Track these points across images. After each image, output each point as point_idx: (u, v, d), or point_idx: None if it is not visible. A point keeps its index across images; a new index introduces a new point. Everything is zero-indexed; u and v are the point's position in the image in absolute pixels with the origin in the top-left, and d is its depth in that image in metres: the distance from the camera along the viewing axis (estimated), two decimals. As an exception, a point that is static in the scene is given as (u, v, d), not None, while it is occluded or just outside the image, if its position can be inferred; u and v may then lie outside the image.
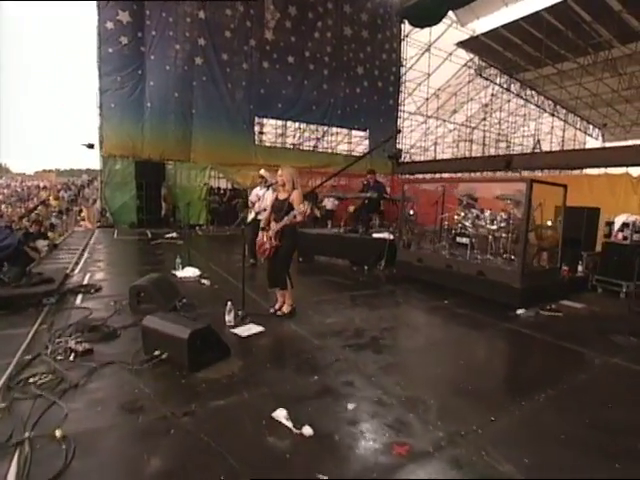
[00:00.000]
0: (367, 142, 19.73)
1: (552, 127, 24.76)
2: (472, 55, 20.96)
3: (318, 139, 18.83)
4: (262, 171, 7.14)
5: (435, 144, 27.18)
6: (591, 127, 25.91)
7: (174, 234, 11.30)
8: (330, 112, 17.65)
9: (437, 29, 20.10)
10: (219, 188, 17.22)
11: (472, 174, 14.54)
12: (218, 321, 4.18)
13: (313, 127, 18.53)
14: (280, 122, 18.12)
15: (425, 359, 3.61)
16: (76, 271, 6.50)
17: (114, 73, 13.15)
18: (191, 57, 14.31)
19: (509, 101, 23.70)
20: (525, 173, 12.68)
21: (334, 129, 19.57)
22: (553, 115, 24.18)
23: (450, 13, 18.23)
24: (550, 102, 23.53)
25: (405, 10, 17.24)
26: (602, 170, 11.23)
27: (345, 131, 19.47)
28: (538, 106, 23.45)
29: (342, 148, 19.87)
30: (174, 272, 6.42)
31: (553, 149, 24.66)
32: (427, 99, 22.09)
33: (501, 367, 3.73)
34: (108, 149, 13.23)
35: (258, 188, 7.01)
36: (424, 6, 15.92)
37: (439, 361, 3.56)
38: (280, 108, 16.38)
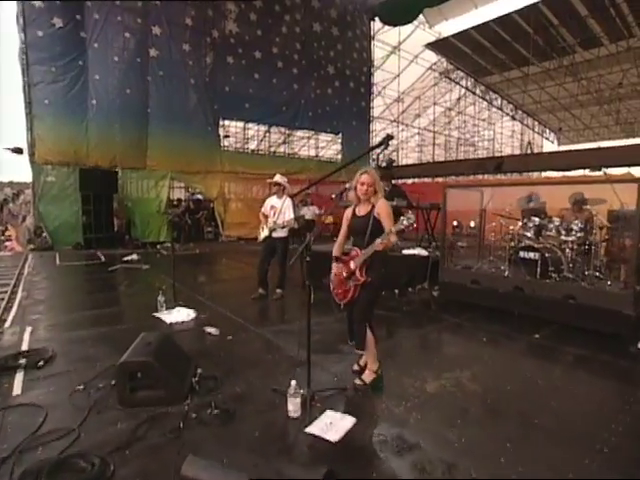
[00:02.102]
0: (337, 147, 18.63)
1: (513, 131, 25.20)
2: (440, 57, 20.62)
3: (287, 143, 17.32)
4: (277, 177, 5.64)
5: (399, 149, 26.78)
6: (547, 131, 26.80)
7: (134, 256, 9.26)
8: (301, 114, 16.22)
9: (403, 31, 19.56)
10: (180, 199, 15.26)
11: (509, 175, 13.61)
12: (270, 410, 2.60)
13: (282, 130, 16.97)
14: (249, 125, 16.35)
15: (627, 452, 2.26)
16: (8, 323, 4.47)
17: (47, 62, 10.77)
18: (144, 47, 12.25)
19: (474, 104, 23.74)
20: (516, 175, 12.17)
21: (299, 132, 18.23)
22: (514, 119, 24.61)
23: (418, 13, 17.64)
24: (512, 106, 23.88)
25: (378, 7, 16.34)
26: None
27: (313, 135, 18.15)
28: (500, 109, 23.70)
29: (309, 153, 18.50)
30: (158, 315, 4.64)
31: (514, 152, 25.16)
32: (398, 100, 21.52)
33: None
34: (42, 155, 10.78)
35: (274, 198, 5.63)
36: (399, 3, 15.08)
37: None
38: (247, 109, 14.63)
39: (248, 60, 14.49)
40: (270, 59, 15.09)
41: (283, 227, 5.46)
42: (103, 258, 9.27)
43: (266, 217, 5.63)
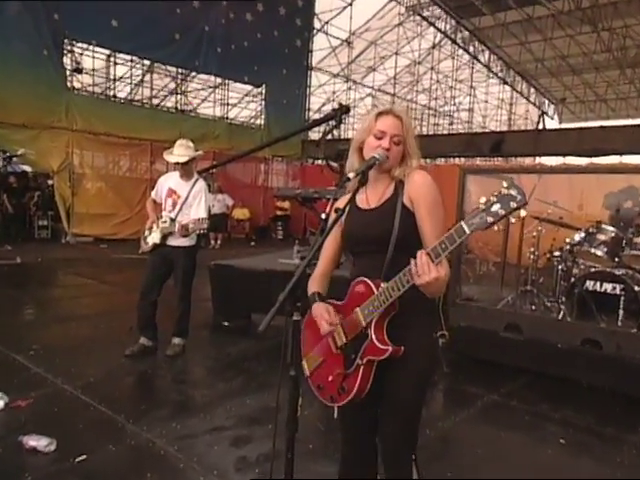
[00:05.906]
0: (258, 106, 17.89)
1: (502, 100, 26.23)
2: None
3: (180, 93, 16.13)
4: (181, 144, 4.63)
5: (343, 113, 26.57)
6: (547, 102, 28.30)
7: None
8: (204, 49, 15.31)
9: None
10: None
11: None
12: None
13: (172, 72, 15.78)
14: (119, 57, 14.84)
15: None
16: None
17: None
18: None
19: (452, 57, 24.25)
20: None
21: (200, 78, 17.13)
22: (505, 82, 25.59)
23: None
24: (502, 63, 24.72)
25: None
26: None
27: (222, 84, 17.15)
28: (488, 67, 24.47)
29: (214, 112, 17.47)
30: None
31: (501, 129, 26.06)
32: (347, 42, 21.12)
33: None
34: None
35: (175, 176, 4.74)
36: None
37: None
38: (115, 29, 13.30)
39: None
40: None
41: (186, 234, 4.33)
42: None
43: (158, 209, 4.62)
